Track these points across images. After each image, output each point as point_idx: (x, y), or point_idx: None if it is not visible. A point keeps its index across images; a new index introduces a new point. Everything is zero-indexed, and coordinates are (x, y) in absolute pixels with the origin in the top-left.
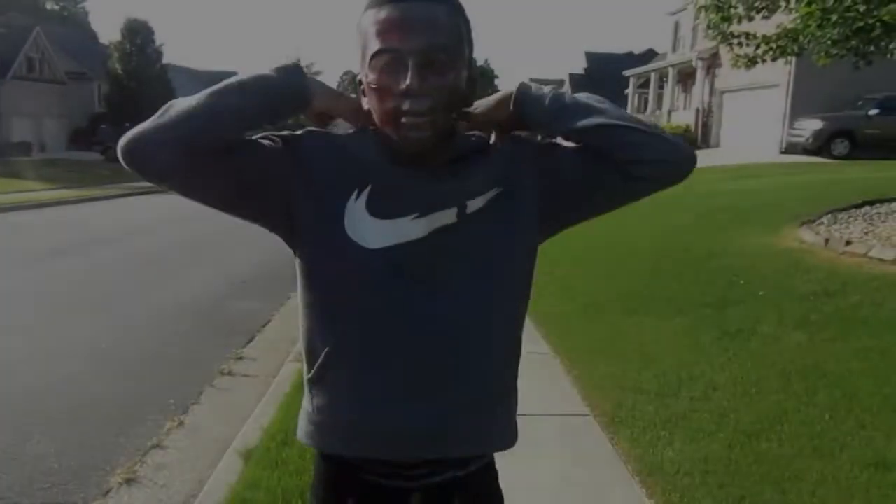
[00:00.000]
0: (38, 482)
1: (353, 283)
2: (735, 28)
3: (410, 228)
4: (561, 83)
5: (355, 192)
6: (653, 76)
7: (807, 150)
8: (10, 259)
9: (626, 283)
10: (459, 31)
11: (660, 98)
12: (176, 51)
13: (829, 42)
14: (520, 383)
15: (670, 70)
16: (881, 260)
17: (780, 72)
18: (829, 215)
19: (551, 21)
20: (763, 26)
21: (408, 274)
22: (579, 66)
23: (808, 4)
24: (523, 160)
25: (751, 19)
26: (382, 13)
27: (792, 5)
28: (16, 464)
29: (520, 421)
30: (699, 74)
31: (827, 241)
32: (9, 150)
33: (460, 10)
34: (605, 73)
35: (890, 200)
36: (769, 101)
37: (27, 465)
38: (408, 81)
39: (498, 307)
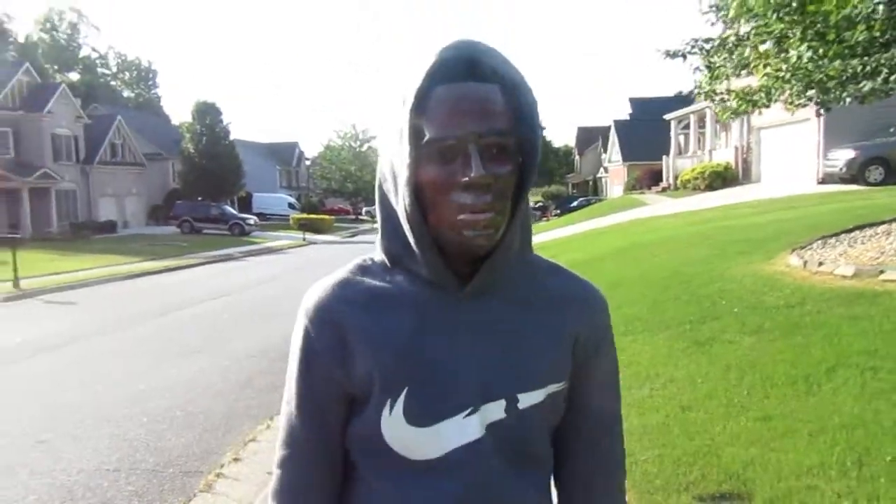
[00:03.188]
0: (174, 462)
1: None
2: (718, 86)
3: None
4: (607, 130)
5: (388, 404)
6: (692, 118)
7: (843, 179)
8: (122, 319)
9: (633, 310)
10: (516, 112)
11: (700, 138)
12: (241, 126)
13: (792, 95)
14: None
15: (708, 111)
16: (843, 276)
17: (810, 106)
18: (820, 241)
19: (597, 70)
20: (738, 82)
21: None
22: (625, 111)
23: (765, 69)
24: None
25: (738, 76)
26: (435, 93)
27: (760, 69)
28: (157, 450)
29: None
30: None
31: (805, 263)
32: (98, 228)
33: (521, 88)
34: (650, 116)
35: (878, 224)
36: (804, 135)
37: (165, 452)
38: (472, 172)
39: None
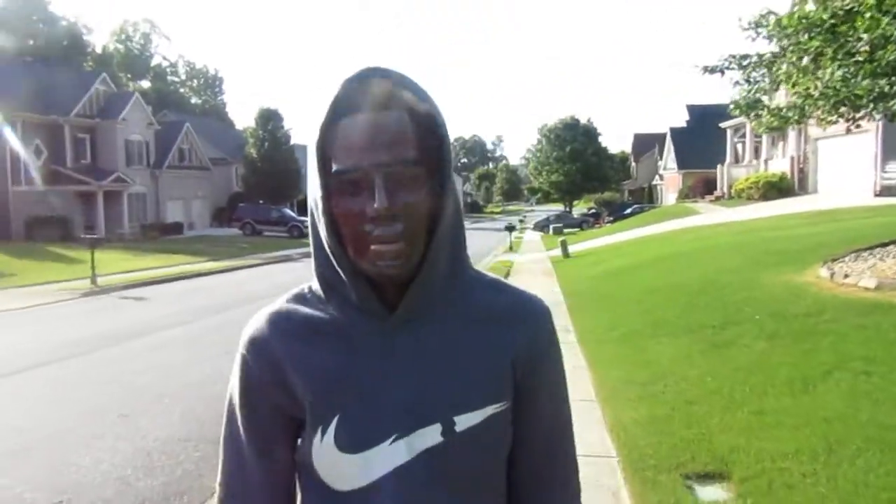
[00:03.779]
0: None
1: None
2: (753, 101)
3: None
4: (663, 137)
5: (319, 431)
6: (748, 126)
7: None
8: (189, 313)
9: (663, 314)
10: (426, 139)
11: (757, 148)
12: (300, 131)
13: (823, 112)
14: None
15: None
16: (866, 289)
17: (840, 122)
18: (854, 254)
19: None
20: (778, 96)
21: None
22: (682, 119)
23: (794, 88)
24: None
25: (776, 90)
26: (341, 125)
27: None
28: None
29: None
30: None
31: (832, 275)
32: (166, 230)
33: (432, 115)
34: (707, 124)
35: None
36: (862, 146)
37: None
38: (375, 204)
39: None
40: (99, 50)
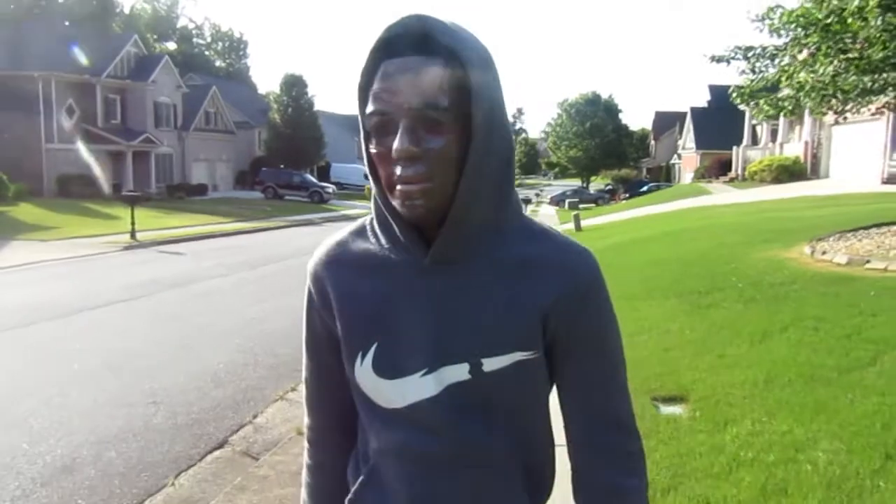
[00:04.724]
0: (287, 364)
1: None
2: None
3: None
4: (683, 116)
5: (359, 355)
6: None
7: None
8: (226, 266)
9: (658, 282)
10: (465, 86)
11: (774, 131)
12: (323, 97)
13: (814, 103)
14: None
15: None
16: (838, 264)
17: (829, 114)
18: (837, 234)
19: (677, 56)
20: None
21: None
22: (703, 98)
23: (787, 81)
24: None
25: (778, 82)
26: (374, 70)
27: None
28: (273, 355)
29: None
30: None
31: (812, 252)
32: (191, 190)
33: (470, 63)
34: (727, 105)
35: (893, 224)
36: (873, 134)
37: (279, 356)
38: (395, 145)
39: None
40: (127, 10)
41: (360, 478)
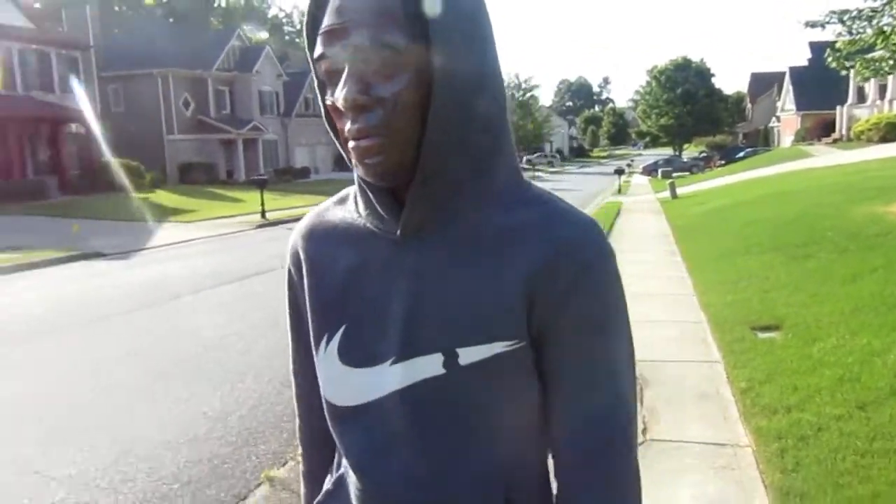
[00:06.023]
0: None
1: None
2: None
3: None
4: (781, 77)
5: (324, 339)
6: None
7: None
8: None
9: (757, 239)
10: (426, 16)
11: (883, 87)
12: None
13: None
14: (668, 276)
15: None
16: None
17: None
18: None
19: (773, 13)
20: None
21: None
22: (803, 57)
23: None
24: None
25: (874, 44)
26: (317, 5)
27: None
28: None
29: (661, 290)
30: None
31: None
32: (296, 174)
33: None
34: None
35: None
36: None
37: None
38: (337, 93)
39: None
40: (224, 3)
41: (327, 487)
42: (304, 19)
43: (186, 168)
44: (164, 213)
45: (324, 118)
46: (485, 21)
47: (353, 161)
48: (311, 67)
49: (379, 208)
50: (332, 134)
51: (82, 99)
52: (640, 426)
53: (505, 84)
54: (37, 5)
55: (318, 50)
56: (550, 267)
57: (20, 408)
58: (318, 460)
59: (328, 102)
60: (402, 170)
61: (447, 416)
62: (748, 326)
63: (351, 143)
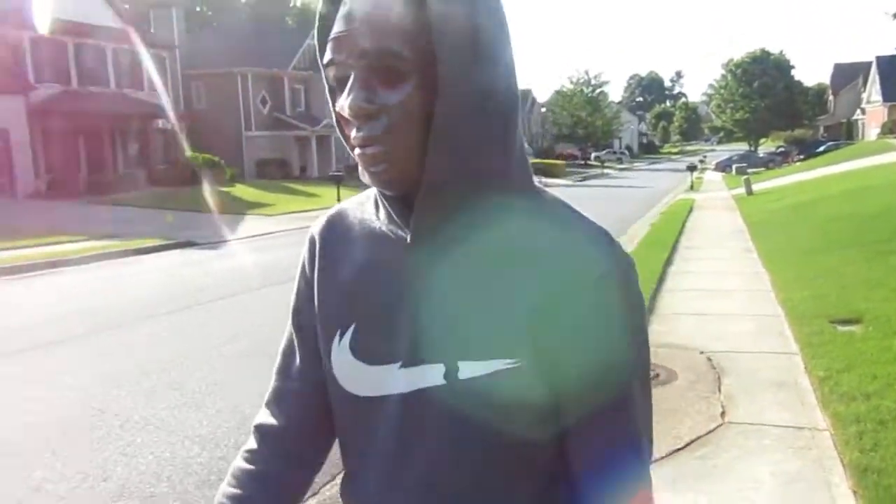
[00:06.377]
0: None
1: None
2: None
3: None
4: (867, 66)
5: (338, 333)
6: None
7: None
8: None
9: (837, 236)
10: (431, 27)
11: None
12: None
13: None
14: (743, 272)
15: None
16: None
17: None
18: None
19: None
20: None
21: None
22: (891, 45)
23: None
24: None
25: None
26: (325, 9)
27: None
28: None
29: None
30: None
31: None
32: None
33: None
34: None
35: None
36: None
37: None
38: (341, 101)
39: None
40: (298, 3)
41: (342, 474)
42: (316, 25)
43: (262, 164)
44: (245, 207)
45: (334, 124)
46: (496, 32)
47: (360, 168)
48: (322, 73)
49: (393, 214)
50: (343, 140)
51: (168, 96)
52: (718, 410)
53: (584, 81)
54: (126, 6)
55: (328, 56)
56: (560, 285)
57: (146, 378)
58: (266, 463)
59: (336, 109)
60: (408, 178)
61: (445, 427)
62: (827, 320)
63: (357, 151)
